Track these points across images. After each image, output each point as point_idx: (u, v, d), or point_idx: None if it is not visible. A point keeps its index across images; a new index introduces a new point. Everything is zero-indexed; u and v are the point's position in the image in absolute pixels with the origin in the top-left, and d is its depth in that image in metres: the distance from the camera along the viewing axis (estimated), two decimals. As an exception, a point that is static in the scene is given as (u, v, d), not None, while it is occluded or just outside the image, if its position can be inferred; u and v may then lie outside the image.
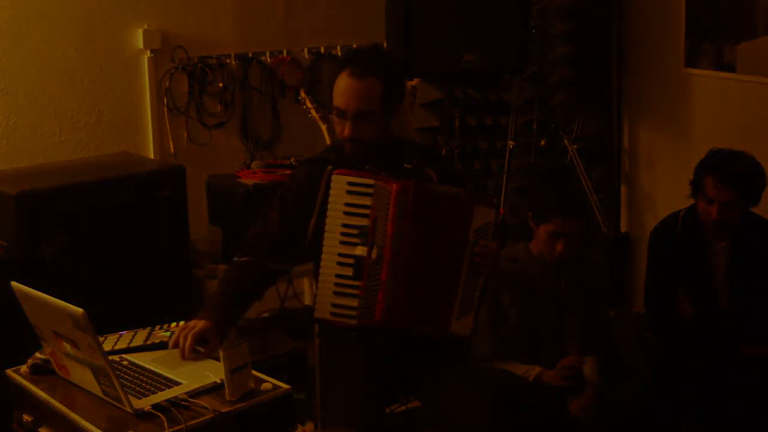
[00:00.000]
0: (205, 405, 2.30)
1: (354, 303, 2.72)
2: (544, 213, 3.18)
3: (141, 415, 2.25)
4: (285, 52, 4.70)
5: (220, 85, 4.53)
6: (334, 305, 2.75)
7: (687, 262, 3.30)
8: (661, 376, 3.26)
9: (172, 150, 4.41)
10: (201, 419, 2.25)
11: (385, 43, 4.42)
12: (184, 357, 2.58)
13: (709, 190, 3.17)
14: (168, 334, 2.71)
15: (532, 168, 4.84)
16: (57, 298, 2.29)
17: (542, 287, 3.25)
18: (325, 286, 2.76)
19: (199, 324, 2.63)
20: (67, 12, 4.06)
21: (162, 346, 2.67)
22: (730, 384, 3.15)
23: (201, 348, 2.61)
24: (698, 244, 3.28)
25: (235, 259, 2.88)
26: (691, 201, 3.32)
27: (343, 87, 2.77)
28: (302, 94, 4.12)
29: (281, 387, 2.45)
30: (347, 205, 2.73)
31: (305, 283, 4.31)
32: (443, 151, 4.58)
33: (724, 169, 3.15)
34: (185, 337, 2.59)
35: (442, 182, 2.88)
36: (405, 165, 2.85)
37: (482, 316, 3.09)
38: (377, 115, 2.78)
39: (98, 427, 2.24)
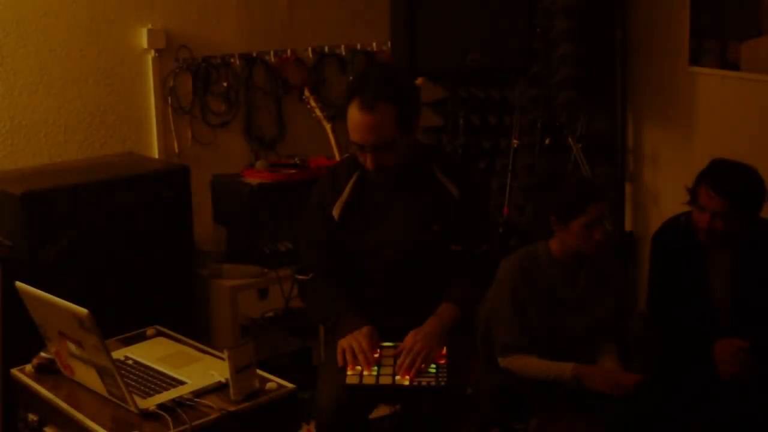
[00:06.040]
0: (211, 404, 2.30)
1: None
2: (574, 207, 3.13)
3: (146, 414, 2.26)
4: (289, 51, 4.69)
5: (225, 84, 4.53)
6: None
7: (685, 269, 3.28)
8: (663, 376, 3.24)
9: (177, 149, 4.41)
10: (206, 419, 2.26)
11: (389, 42, 4.42)
12: (370, 362, 2.67)
13: (702, 198, 3.15)
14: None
15: (538, 177, 4.82)
16: (62, 298, 2.30)
17: (561, 288, 3.24)
18: None
19: (362, 332, 2.73)
20: (71, 11, 4.06)
21: None
22: (731, 385, 3.13)
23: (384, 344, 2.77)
24: (697, 252, 3.26)
25: (306, 277, 2.96)
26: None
27: (356, 121, 2.70)
28: (306, 93, 4.12)
29: (286, 386, 2.45)
30: None
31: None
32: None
33: (718, 178, 3.13)
34: (360, 345, 2.70)
35: (463, 195, 2.88)
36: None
37: (506, 306, 3.14)
38: (397, 140, 2.72)
39: (103, 426, 2.24)
